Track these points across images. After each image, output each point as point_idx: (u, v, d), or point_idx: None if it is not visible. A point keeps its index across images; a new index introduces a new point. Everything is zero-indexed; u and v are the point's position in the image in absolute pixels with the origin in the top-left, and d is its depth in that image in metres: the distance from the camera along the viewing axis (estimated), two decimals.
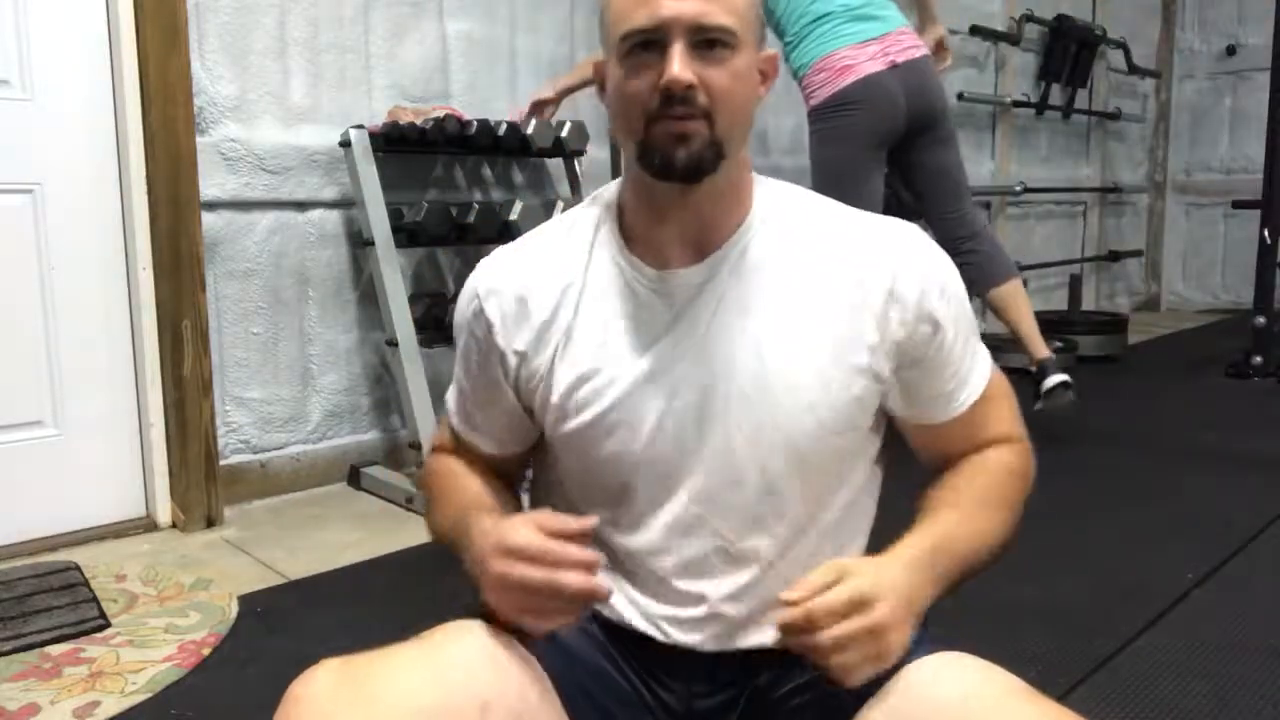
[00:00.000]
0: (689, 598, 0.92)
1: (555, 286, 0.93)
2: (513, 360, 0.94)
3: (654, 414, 0.90)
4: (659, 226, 0.91)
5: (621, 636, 0.95)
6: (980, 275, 2.86)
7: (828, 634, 0.77)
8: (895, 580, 0.83)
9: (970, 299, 1.01)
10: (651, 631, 0.93)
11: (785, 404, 0.88)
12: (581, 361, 0.92)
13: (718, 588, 0.92)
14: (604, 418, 0.91)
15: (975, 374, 0.97)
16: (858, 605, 0.78)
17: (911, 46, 2.69)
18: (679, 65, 0.83)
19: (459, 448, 1.04)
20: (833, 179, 2.71)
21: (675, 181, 0.87)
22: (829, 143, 2.71)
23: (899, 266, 0.90)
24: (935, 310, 0.90)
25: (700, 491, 0.90)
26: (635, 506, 0.92)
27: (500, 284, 0.95)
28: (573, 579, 0.80)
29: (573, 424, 0.92)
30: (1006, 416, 1.01)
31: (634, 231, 0.93)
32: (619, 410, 0.90)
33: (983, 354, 0.99)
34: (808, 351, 0.88)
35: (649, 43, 0.84)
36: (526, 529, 0.82)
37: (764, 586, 0.92)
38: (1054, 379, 2.85)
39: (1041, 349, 2.92)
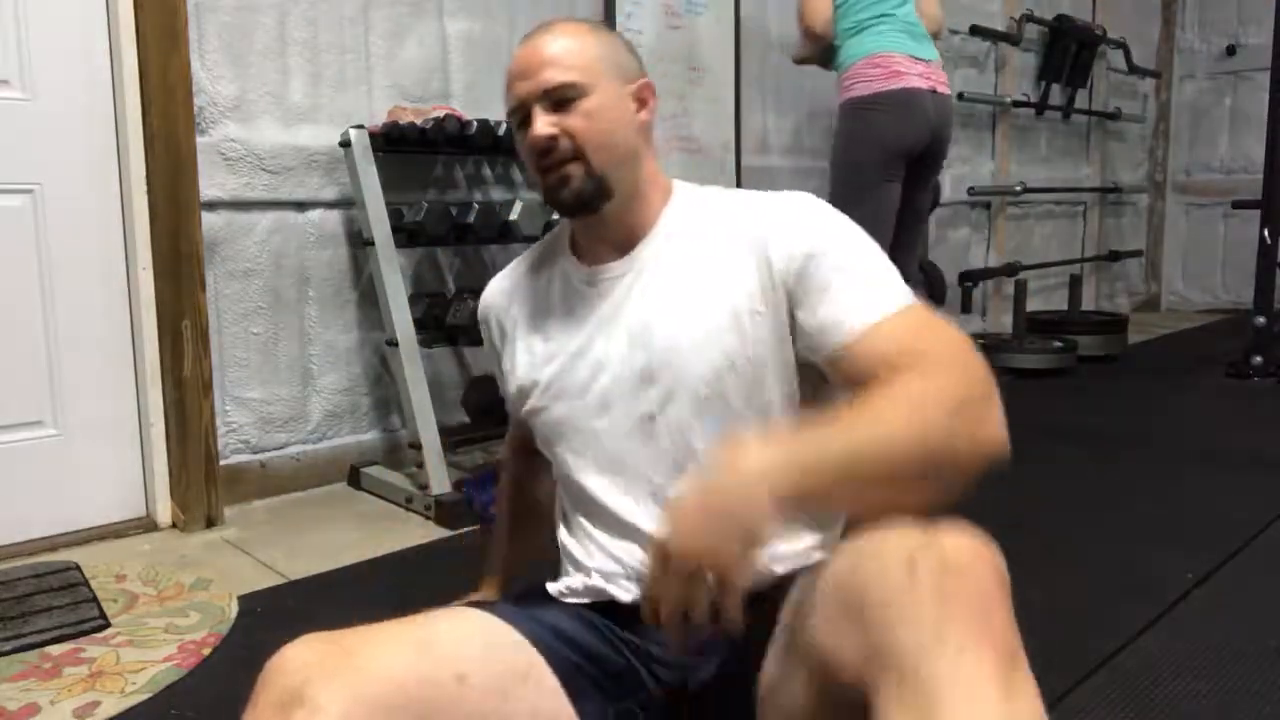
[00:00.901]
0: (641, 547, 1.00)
1: (513, 294, 1.18)
2: (500, 361, 1.19)
3: (586, 382, 1.07)
4: (588, 237, 1.12)
5: (611, 613, 1.03)
6: None
7: (666, 609, 0.82)
8: (695, 489, 0.85)
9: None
10: (626, 596, 1.02)
11: (684, 355, 1.02)
12: (529, 350, 1.13)
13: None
14: (546, 391, 1.10)
15: (869, 301, 0.97)
16: (662, 561, 0.83)
17: (945, 83, 2.81)
18: (539, 125, 1.04)
19: (514, 435, 1.29)
20: (854, 180, 2.76)
21: (579, 216, 1.08)
22: (858, 144, 2.76)
23: (775, 213, 1.05)
24: (809, 239, 1.01)
25: (627, 443, 1.05)
26: (592, 466, 1.08)
27: (489, 299, 1.21)
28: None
29: (528, 405, 1.12)
30: (924, 340, 0.95)
31: (577, 242, 1.14)
32: (557, 383, 1.09)
33: (888, 289, 0.98)
34: (701, 308, 1.02)
35: (524, 117, 1.06)
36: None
37: None
38: None
39: None
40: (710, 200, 1.11)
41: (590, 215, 1.06)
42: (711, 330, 1.01)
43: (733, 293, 1.02)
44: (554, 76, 1.04)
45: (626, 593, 1.02)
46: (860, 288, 0.98)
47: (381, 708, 0.80)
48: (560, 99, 1.04)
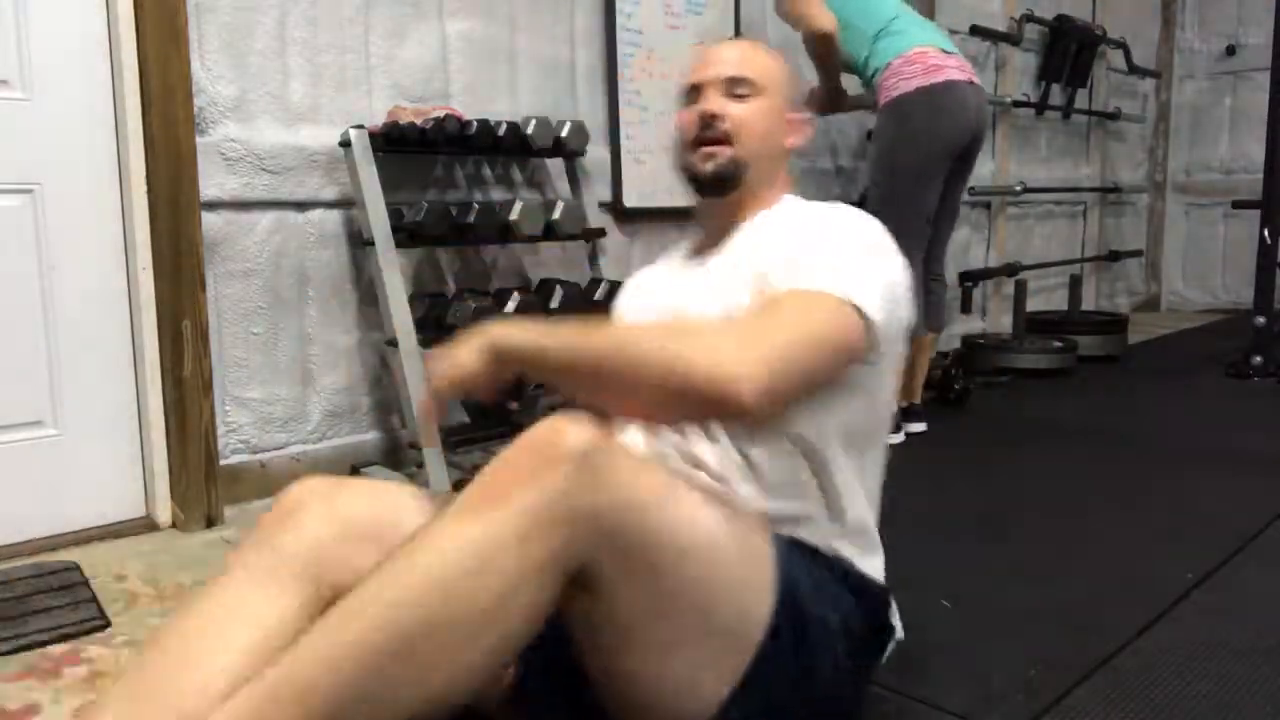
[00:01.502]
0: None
1: (640, 280, 1.42)
2: None
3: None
4: (704, 219, 1.32)
5: None
6: (930, 315, 2.98)
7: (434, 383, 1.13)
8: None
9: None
10: None
11: (719, 298, 1.19)
12: (628, 306, 1.37)
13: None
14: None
15: (810, 278, 1.08)
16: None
17: (975, 75, 2.81)
18: (711, 100, 1.25)
19: None
20: (897, 183, 2.78)
21: (706, 194, 1.25)
22: (903, 143, 2.76)
23: (817, 212, 1.22)
24: (816, 221, 1.18)
25: None
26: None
27: (628, 285, 1.46)
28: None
29: None
30: (780, 313, 1.06)
31: (699, 231, 1.34)
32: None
33: (837, 280, 1.08)
34: (731, 295, 1.16)
35: (696, 94, 1.27)
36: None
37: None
38: (914, 426, 2.99)
39: (918, 396, 3.07)
40: (801, 207, 1.28)
41: (716, 196, 1.25)
42: (739, 283, 1.16)
43: (750, 282, 1.15)
44: (742, 70, 1.25)
45: None
46: (815, 269, 1.09)
47: (349, 533, 1.04)
48: (738, 91, 1.24)
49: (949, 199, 2.90)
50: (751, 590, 1.04)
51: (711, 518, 1.02)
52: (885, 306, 1.10)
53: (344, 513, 1.06)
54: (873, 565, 1.23)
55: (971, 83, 2.78)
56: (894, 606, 1.25)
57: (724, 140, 1.23)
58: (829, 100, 3.13)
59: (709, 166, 1.23)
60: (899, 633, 1.25)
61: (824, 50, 2.84)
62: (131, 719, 0.92)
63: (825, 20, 2.78)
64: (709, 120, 1.23)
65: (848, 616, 1.13)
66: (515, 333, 1.07)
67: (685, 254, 1.35)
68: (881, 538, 1.26)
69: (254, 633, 0.96)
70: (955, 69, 2.75)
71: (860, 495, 1.20)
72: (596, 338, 1.05)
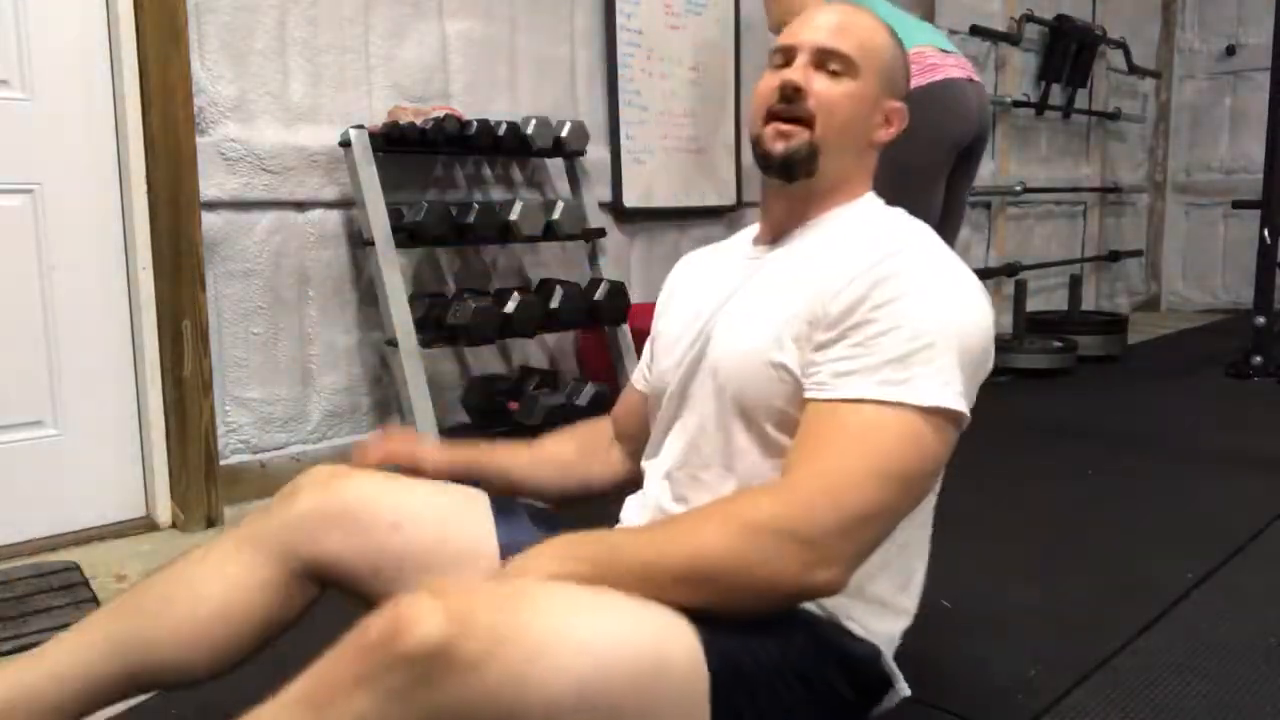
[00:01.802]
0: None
1: (696, 264, 1.26)
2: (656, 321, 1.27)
3: (678, 346, 1.12)
4: (770, 203, 1.13)
5: None
6: None
7: None
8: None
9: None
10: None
11: (736, 358, 1.04)
12: (672, 314, 1.20)
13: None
14: (653, 344, 1.21)
15: (857, 382, 0.92)
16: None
17: (974, 72, 2.80)
18: (796, 71, 1.06)
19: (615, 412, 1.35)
20: (901, 184, 2.72)
21: (774, 175, 1.08)
22: (906, 144, 2.69)
23: (889, 244, 1.00)
24: (886, 309, 0.94)
25: (668, 414, 1.14)
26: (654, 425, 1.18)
27: (679, 265, 1.30)
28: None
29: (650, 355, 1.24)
30: (836, 456, 0.90)
31: (763, 214, 1.16)
32: (659, 340, 1.19)
33: (890, 387, 0.91)
34: (770, 312, 1.02)
35: (787, 59, 1.08)
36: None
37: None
38: None
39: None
40: (878, 221, 1.10)
41: (785, 180, 1.08)
42: (759, 344, 1.02)
43: (797, 316, 1.00)
44: (839, 43, 1.07)
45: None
46: (869, 369, 0.93)
47: (331, 513, 1.09)
48: (831, 66, 1.06)
49: (954, 199, 2.89)
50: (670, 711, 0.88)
51: (604, 658, 0.83)
52: (972, 381, 0.96)
53: (329, 499, 1.11)
54: (880, 624, 1.05)
55: (971, 80, 2.77)
56: (889, 665, 1.06)
57: (802, 120, 1.05)
58: None
59: (779, 147, 1.06)
60: (900, 691, 1.07)
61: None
62: (105, 646, 1.06)
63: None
64: (790, 93, 1.05)
65: (815, 681, 0.97)
66: (577, 559, 0.91)
67: (749, 241, 1.19)
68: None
69: (225, 588, 1.08)
70: (954, 66, 2.75)
71: (891, 571, 1.05)
72: (664, 552, 0.90)
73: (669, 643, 0.87)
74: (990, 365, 1.02)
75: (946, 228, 2.93)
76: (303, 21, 2.38)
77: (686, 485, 1.09)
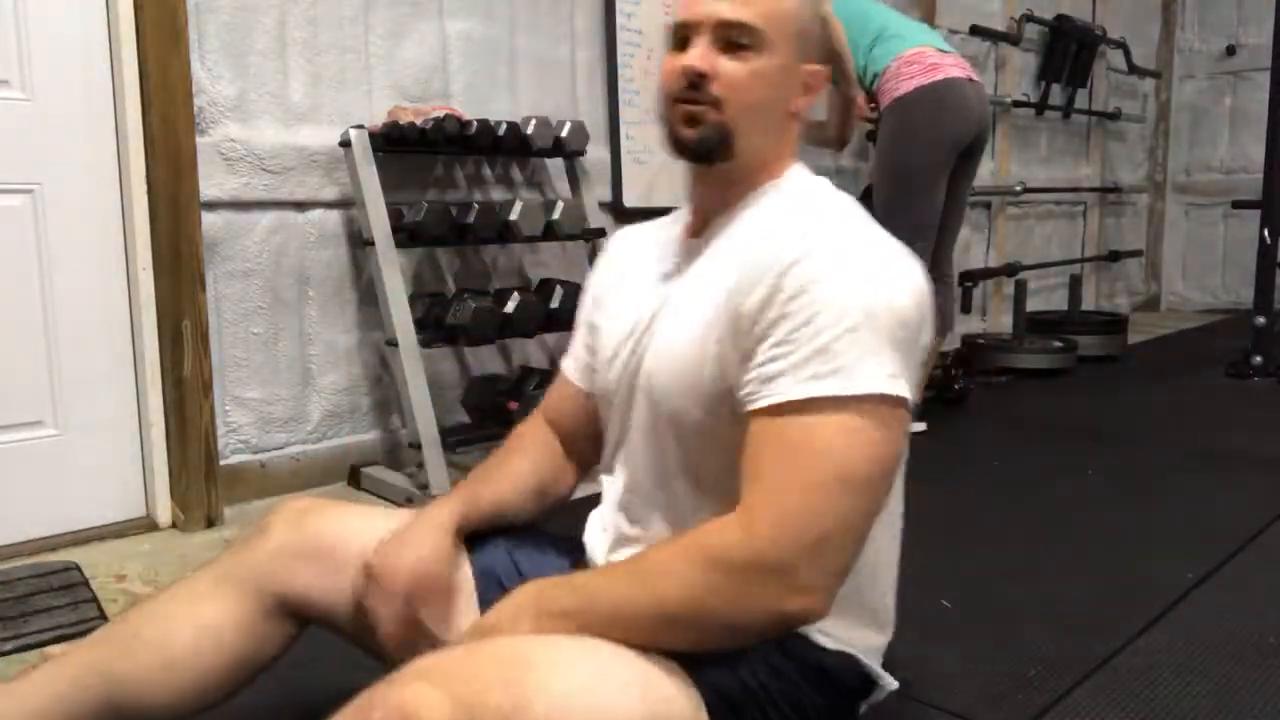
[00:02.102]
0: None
1: (636, 247, 1.15)
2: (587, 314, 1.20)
3: (616, 361, 1.06)
4: (695, 188, 1.06)
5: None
6: (937, 317, 2.93)
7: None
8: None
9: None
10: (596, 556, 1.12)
11: (668, 380, 0.98)
12: (602, 312, 1.13)
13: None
14: (592, 336, 1.14)
15: (785, 384, 0.85)
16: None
17: (974, 73, 2.82)
18: (696, 54, 0.96)
19: (548, 405, 1.25)
20: (904, 183, 2.79)
21: (687, 160, 1.01)
22: (907, 143, 2.76)
23: (795, 253, 0.89)
24: (799, 299, 0.87)
25: (616, 427, 1.08)
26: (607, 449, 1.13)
27: (615, 244, 1.21)
28: (381, 631, 1.02)
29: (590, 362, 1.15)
30: (791, 473, 0.84)
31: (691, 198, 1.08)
32: (599, 337, 1.11)
33: (818, 382, 0.84)
34: (695, 324, 0.96)
35: (685, 37, 0.98)
36: (407, 568, 1.02)
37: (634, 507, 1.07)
38: (914, 426, 2.92)
39: (918, 395, 3.00)
40: (804, 205, 0.99)
41: (702, 165, 1.01)
42: (689, 350, 0.96)
43: (717, 319, 0.94)
44: (739, 13, 0.95)
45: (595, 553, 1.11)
46: (799, 365, 0.85)
47: (303, 551, 1.08)
48: (737, 39, 0.96)
49: (955, 198, 2.91)
50: None
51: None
52: (907, 360, 0.88)
53: (302, 535, 1.10)
54: (851, 632, 1.00)
55: (971, 79, 2.78)
56: (869, 667, 1.02)
57: (709, 103, 0.96)
58: (841, 122, 3.15)
59: (689, 133, 0.97)
60: (886, 687, 1.05)
61: (832, 41, 2.83)
62: (79, 680, 1.05)
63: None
64: (694, 80, 0.96)
65: (802, 699, 0.96)
66: (552, 615, 0.89)
67: (682, 228, 1.10)
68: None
69: (195, 629, 1.07)
70: (953, 66, 2.76)
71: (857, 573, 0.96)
72: (634, 599, 0.87)
73: (669, 703, 0.86)
74: (926, 340, 0.93)
75: (947, 228, 2.94)
76: (303, 21, 2.38)
77: (640, 509, 1.06)
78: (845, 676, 1.00)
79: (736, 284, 0.92)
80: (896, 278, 0.90)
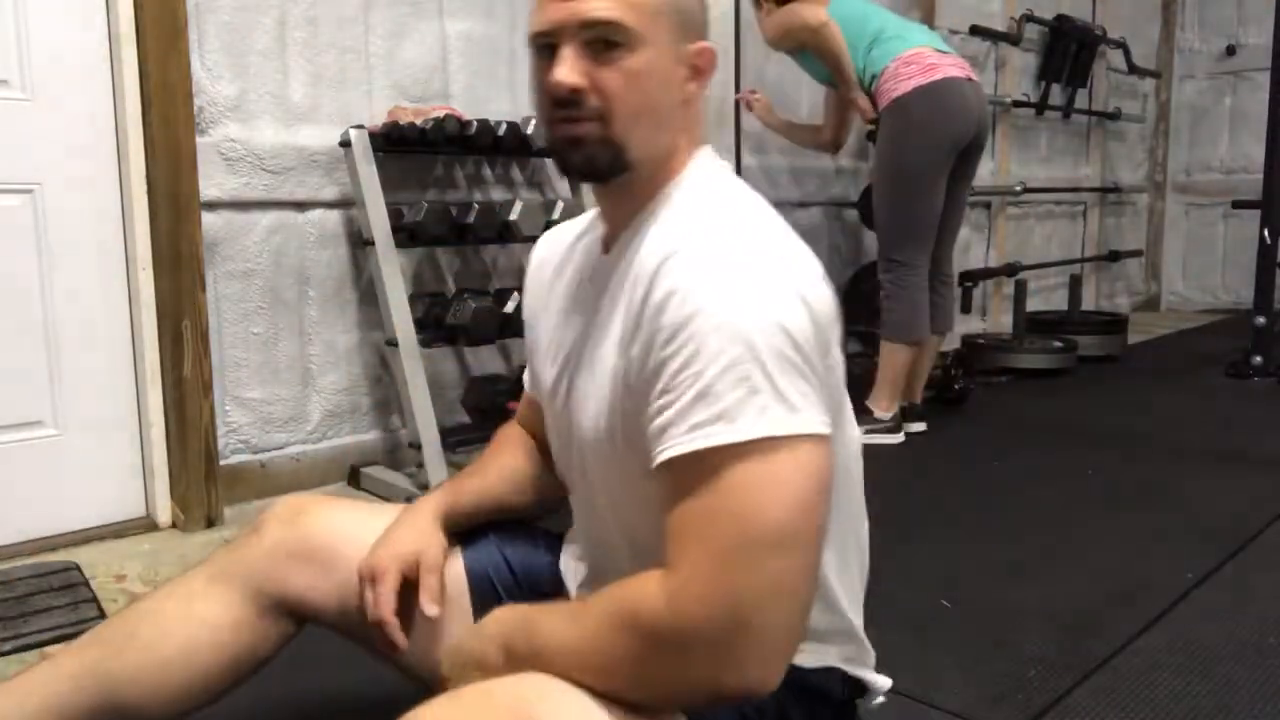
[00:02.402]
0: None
1: (559, 266, 1.06)
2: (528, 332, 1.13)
3: (555, 399, 1.00)
4: (601, 205, 0.98)
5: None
6: (936, 317, 2.98)
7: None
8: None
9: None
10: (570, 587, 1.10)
11: (587, 435, 0.93)
12: (535, 339, 1.08)
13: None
14: (533, 384, 1.12)
15: (674, 436, 0.76)
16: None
17: (973, 73, 2.82)
18: (564, 69, 0.84)
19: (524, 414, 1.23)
20: (904, 184, 2.80)
21: (578, 181, 0.98)
22: (906, 144, 2.77)
23: (666, 285, 0.80)
24: (677, 339, 0.78)
25: (563, 456, 1.04)
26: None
27: (536, 261, 1.11)
28: (377, 630, 1.01)
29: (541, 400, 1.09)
30: (708, 528, 0.75)
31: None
32: (536, 379, 1.08)
33: (701, 431, 0.75)
34: (602, 386, 0.89)
35: (549, 46, 0.86)
36: (393, 555, 1.03)
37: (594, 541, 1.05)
38: (914, 426, 3.00)
39: (918, 395, 3.07)
40: (687, 217, 0.88)
41: (597, 184, 0.92)
42: (602, 380, 0.89)
43: (615, 377, 0.87)
44: (602, 11, 0.84)
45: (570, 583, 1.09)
46: (692, 409, 0.76)
47: (297, 551, 1.08)
48: (609, 37, 0.84)
49: (954, 198, 2.91)
50: None
51: None
52: (811, 377, 0.78)
53: (296, 534, 1.09)
54: (821, 652, 0.96)
55: (969, 79, 2.79)
56: (856, 674, 1.00)
57: (592, 118, 0.86)
58: (837, 124, 3.18)
59: (573, 155, 0.88)
60: (879, 689, 1.02)
61: (832, 43, 2.84)
62: (74, 679, 1.04)
63: (816, 13, 2.80)
64: (564, 96, 0.85)
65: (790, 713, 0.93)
66: (518, 648, 0.84)
67: (598, 240, 0.99)
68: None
69: (189, 627, 1.07)
70: (951, 66, 2.77)
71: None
72: (571, 665, 0.79)
73: None
74: (833, 342, 0.84)
75: (947, 228, 2.94)
76: (303, 21, 2.38)
77: (593, 557, 1.04)
78: (833, 689, 0.98)
79: (622, 330, 0.86)
80: (780, 292, 0.79)
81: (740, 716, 0.88)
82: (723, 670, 0.74)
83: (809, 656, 0.94)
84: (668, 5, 0.87)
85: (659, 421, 0.78)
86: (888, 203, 2.83)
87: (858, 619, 1.00)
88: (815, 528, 0.78)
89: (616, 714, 0.78)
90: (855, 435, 0.97)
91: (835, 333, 0.85)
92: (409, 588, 1.03)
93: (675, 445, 0.76)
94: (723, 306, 0.77)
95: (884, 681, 1.03)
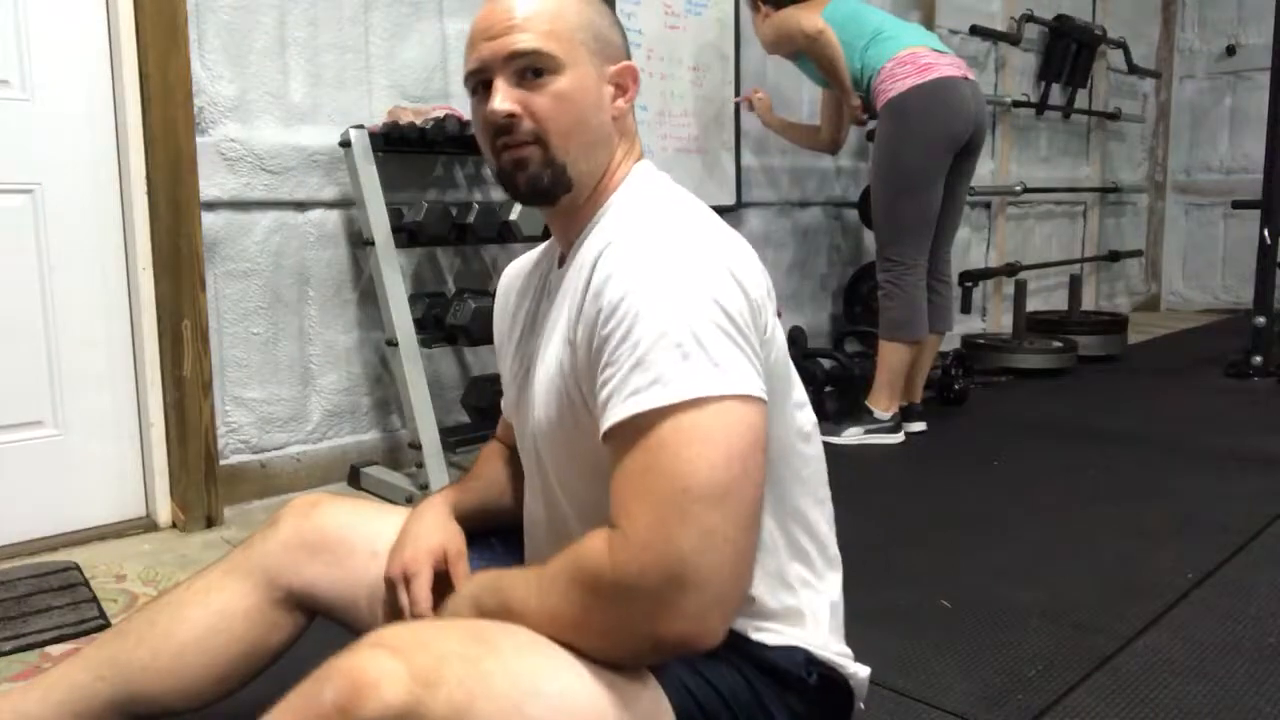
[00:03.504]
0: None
1: (524, 288, 1.13)
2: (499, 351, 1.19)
3: (521, 412, 1.06)
4: (552, 226, 1.04)
5: None
6: (933, 316, 3.00)
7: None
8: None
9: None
10: None
11: (538, 397, 0.97)
12: (507, 353, 1.13)
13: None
14: (506, 407, 1.15)
15: (616, 406, 0.81)
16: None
17: (970, 72, 2.84)
18: (498, 99, 0.93)
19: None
20: (901, 184, 2.81)
21: (526, 204, 1.03)
22: (903, 143, 2.78)
23: (603, 272, 0.86)
24: (614, 317, 0.83)
25: (521, 446, 1.08)
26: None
27: (504, 285, 1.18)
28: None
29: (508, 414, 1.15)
30: (646, 488, 0.79)
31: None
32: (507, 400, 1.13)
33: (639, 396, 0.80)
34: (553, 381, 0.95)
35: (484, 83, 0.96)
36: (424, 551, 1.04)
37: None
38: (914, 426, 3.01)
39: (918, 395, 3.08)
40: (629, 217, 0.94)
41: (545, 205, 0.99)
42: (551, 370, 0.95)
43: (564, 339, 0.93)
44: (525, 43, 0.92)
45: None
46: (631, 376, 0.81)
47: (311, 542, 1.12)
48: (528, 70, 0.93)
49: (953, 198, 2.91)
50: None
51: (574, 711, 0.81)
52: (744, 344, 0.83)
53: (310, 525, 1.14)
54: (784, 628, 0.97)
55: (966, 78, 2.79)
56: (826, 657, 0.99)
57: (529, 141, 0.94)
58: (834, 125, 3.19)
59: (519, 178, 0.96)
60: (855, 676, 1.02)
61: (827, 50, 2.84)
62: (94, 671, 1.08)
63: (812, 20, 2.81)
64: (501, 123, 0.94)
65: (765, 699, 0.94)
66: (486, 602, 0.90)
67: (551, 261, 1.08)
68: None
69: (206, 617, 1.10)
70: (948, 66, 2.77)
71: (764, 568, 0.94)
72: (529, 615, 0.84)
73: (632, 694, 0.84)
74: (770, 319, 0.90)
75: (945, 227, 2.95)
76: (303, 21, 2.38)
77: (554, 544, 1.01)
78: (797, 670, 0.96)
79: (567, 321, 0.91)
80: (711, 268, 0.84)
81: (714, 691, 0.90)
82: (661, 620, 0.78)
83: (768, 635, 0.96)
84: (585, 33, 0.96)
85: (602, 395, 0.83)
86: (885, 202, 2.84)
87: (818, 603, 0.99)
88: (749, 483, 0.81)
89: (578, 663, 0.82)
90: (806, 418, 1.00)
91: (770, 310, 0.90)
92: (436, 581, 1.05)
93: (615, 413, 0.81)
94: (657, 282, 0.83)
95: (860, 671, 1.02)
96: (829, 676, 0.99)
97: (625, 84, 1.00)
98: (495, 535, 1.17)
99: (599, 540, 0.81)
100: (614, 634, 0.81)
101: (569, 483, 0.99)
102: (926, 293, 2.89)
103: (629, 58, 1.01)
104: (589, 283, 0.88)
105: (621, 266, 0.85)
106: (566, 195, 0.97)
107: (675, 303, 0.81)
